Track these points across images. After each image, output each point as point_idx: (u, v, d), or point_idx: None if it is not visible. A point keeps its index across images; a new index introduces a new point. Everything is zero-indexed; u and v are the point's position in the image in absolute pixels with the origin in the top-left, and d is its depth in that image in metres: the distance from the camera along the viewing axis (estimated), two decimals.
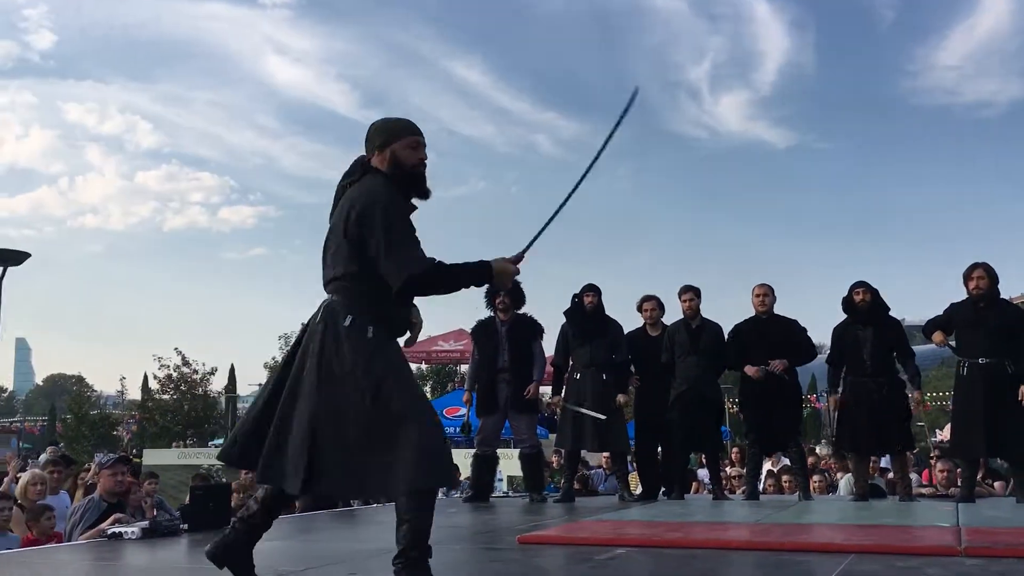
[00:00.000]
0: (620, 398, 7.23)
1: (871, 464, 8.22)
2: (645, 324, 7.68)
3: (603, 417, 7.01)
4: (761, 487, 9.66)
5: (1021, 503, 6.32)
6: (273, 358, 42.46)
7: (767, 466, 11.09)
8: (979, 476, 8.37)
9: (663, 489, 7.55)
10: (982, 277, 6.60)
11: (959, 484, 6.94)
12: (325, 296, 3.14)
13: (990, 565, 3.51)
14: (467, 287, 3.17)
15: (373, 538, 4.92)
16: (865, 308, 6.95)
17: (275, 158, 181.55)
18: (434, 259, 3.04)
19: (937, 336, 6.72)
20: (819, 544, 4.08)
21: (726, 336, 7.38)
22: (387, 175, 3.12)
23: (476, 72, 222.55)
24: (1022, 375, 6.37)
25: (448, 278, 3.09)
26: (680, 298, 7.49)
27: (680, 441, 7.35)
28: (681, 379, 7.25)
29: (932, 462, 9.21)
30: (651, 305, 7.65)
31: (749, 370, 7.05)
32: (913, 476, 8.78)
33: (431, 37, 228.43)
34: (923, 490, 7.93)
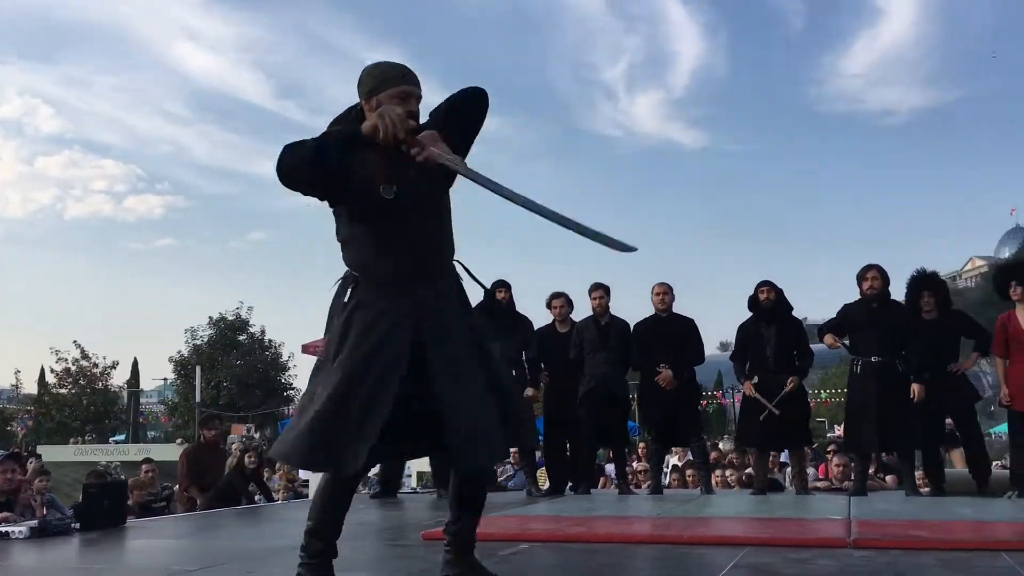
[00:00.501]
0: (529, 392, 7.27)
1: (770, 459, 8.45)
2: (554, 321, 7.74)
3: None
4: (666, 482, 9.89)
5: (910, 496, 6.60)
6: (179, 352, 41.10)
7: (673, 461, 11.35)
8: (872, 471, 8.71)
9: (570, 484, 7.63)
10: (876, 278, 6.85)
11: (852, 478, 7.21)
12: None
13: (877, 556, 3.64)
14: (334, 153, 2.66)
15: (275, 535, 4.84)
16: (769, 307, 7.15)
17: (185, 147, 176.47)
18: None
19: (828, 339, 6.96)
20: (716, 537, 4.19)
21: None
22: None
23: None
24: (912, 373, 6.65)
25: (298, 148, 2.66)
26: (590, 296, 7.57)
27: (588, 437, 7.44)
28: (590, 375, 7.34)
29: (828, 457, 9.53)
30: (560, 302, 7.72)
31: (662, 379, 7.16)
32: (811, 471, 9.09)
33: (349, 27, 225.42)
34: (819, 484, 8.20)
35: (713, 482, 9.02)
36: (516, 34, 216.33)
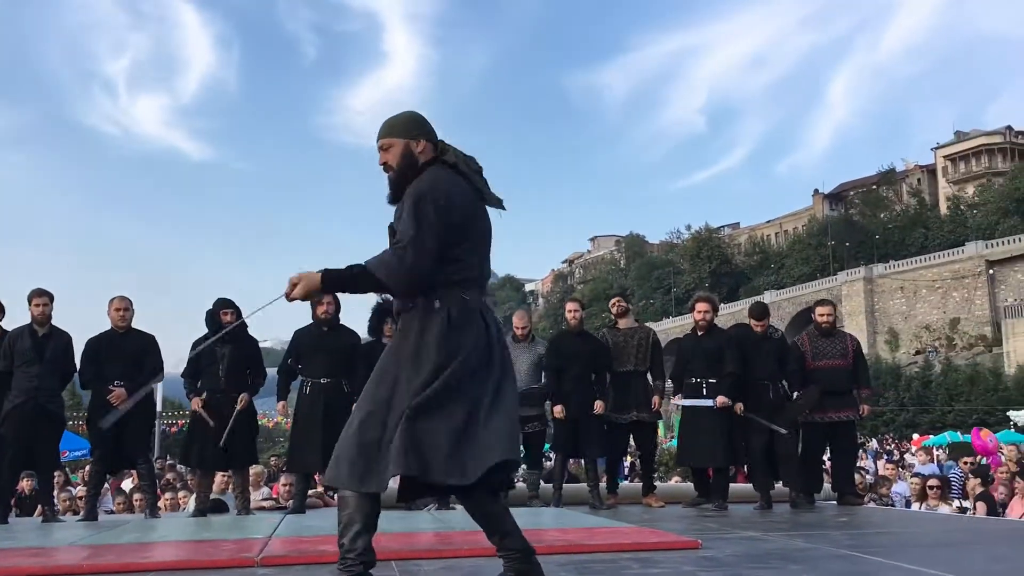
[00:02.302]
0: None
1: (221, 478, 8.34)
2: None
3: None
4: (111, 507, 9.25)
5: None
6: None
7: (128, 484, 10.66)
8: (321, 489, 9.05)
9: None
10: (330, 303, 7.17)
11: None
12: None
13: (281, 574, 3.73)
14: None
15: None
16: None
17: None
18: None
19: None
20: (117, 565, 3.95)
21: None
22: None
23: None
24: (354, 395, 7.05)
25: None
26: (31, 303, 6.83)
27: (12, 458, 6.64)
28: (18, 391, 6.59)
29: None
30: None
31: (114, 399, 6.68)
32: (264, 490, 9.14)
33: None
34: (265, 503, 8.28)
35: (163, 505, 8.67)
36: (3, 4, 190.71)
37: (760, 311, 7.63)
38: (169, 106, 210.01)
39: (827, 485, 8.41)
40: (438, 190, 2.99)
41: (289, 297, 2.97)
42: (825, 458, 8.48)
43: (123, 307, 7.00)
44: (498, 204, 3.15)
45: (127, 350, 6.89)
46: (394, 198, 3.13)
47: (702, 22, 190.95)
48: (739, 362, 7.25)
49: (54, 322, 6.91)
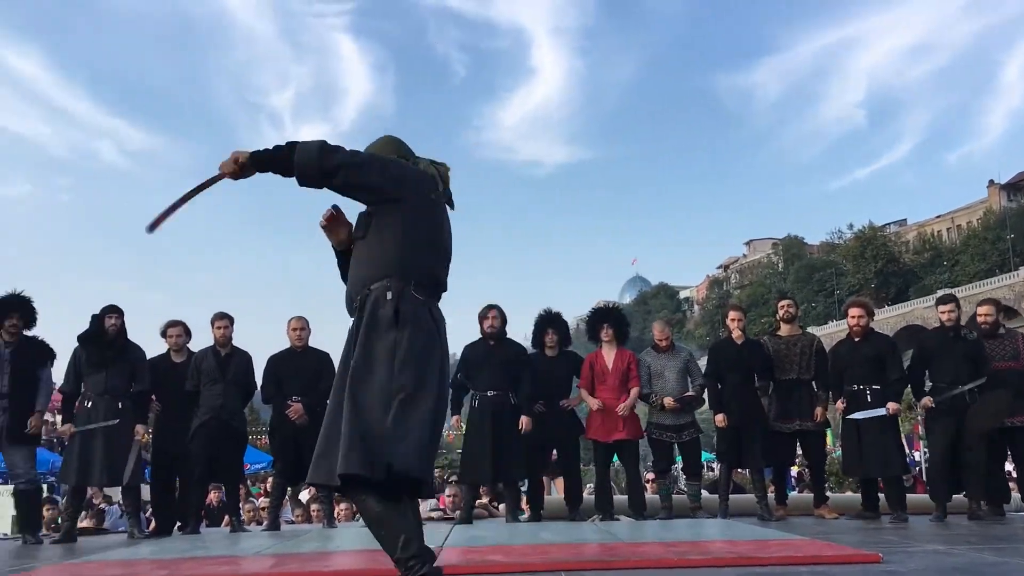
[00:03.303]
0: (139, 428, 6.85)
1: None
2: (169, 350, 7.36)
3: None
4: (291, 516, 9.75)
5: (510, 522, 7.07)
6: None
7: (305, 495, 11.20)
8: (488, 500, 9.23)
9: (178, 524, 7.24)
10: (495, 317, 7.32)
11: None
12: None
13: None
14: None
15: None
16: None
17: None
18: None
19: None
20: (301, 573, 4.16)
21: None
22: None
23: (33, 64, 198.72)
24: (521, 406, 7.15)
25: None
26: (213, 326, 7.32)
27: (201, 472, 7.11)
28: (204, 408, 7.06)
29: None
30: (177, 331, 7.36)
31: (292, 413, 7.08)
32: (431, 501, 9.39)
33: None
34: (433, 514, 8.50)
35: (341, 515, 9.06)
36: (178, 46, 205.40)
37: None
38: (330, 133, 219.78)
39: (1016, 495, 7.87)
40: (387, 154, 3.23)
41: (225, 173, 3.05)
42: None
43: (299, 327, 7.38)
44: (449, 201, 3.30)
45: (304, 367, 7.24)
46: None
47: (857, 15, 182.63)
48: (902, 367, 7.09)
49: (234, 342, 7.36)
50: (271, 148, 3.04)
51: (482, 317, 7.34)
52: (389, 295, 2.96)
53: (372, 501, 2.85)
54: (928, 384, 7.14)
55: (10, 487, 7.57)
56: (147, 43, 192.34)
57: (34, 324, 6.86)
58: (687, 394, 7.60)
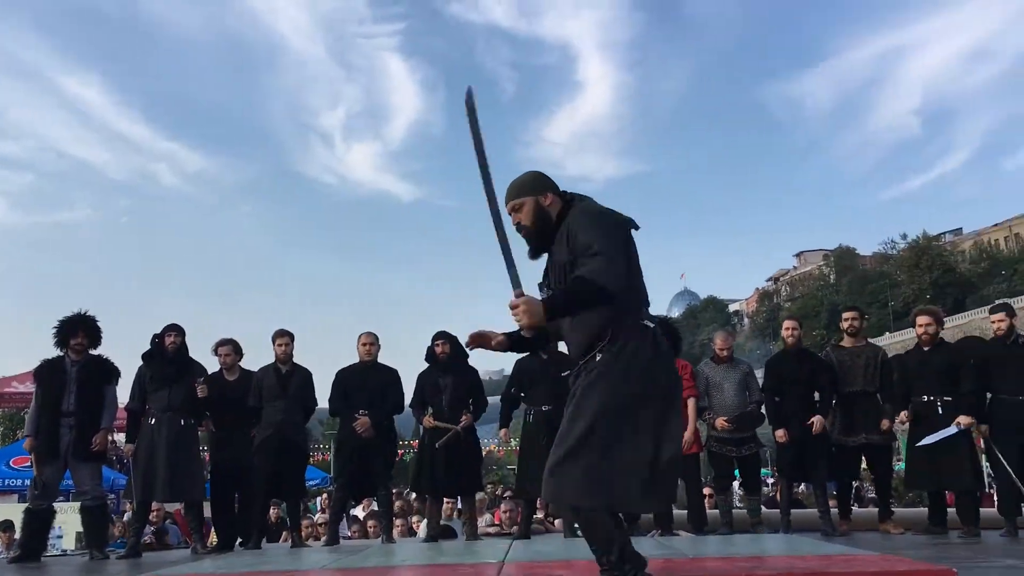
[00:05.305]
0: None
1: (447, 505, 8.65)
2: (221, 368, 7.48)
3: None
4: (347, 533, 9.80)
5: (568, 538, 7.03)
6: None
7: (356, 511, 11.27)
8: (543, 515, 9.20)
9: (239, 539, 7.32)
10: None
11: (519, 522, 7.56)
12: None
13: None
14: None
15: None
16: (445, 358, 7.37)
17: None
18: None
19: None
20: None
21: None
22: None
23: (94, 91, 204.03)
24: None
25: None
26: (275, 343, 7.42)
27: (264, 488, 7.19)
28: (266, 424, 7.14)
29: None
30: (226, 350, 7.48)
31: (359, 425, 7.12)
32: (487, 516, 9.41)
33: (44, 48, 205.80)
34: (490, 529, 8.49)
35: (396, 531, 9.08)
36: (230, 69, 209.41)
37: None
38: (380, 152, 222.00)
39: None
40: (604, 209, 3.14)
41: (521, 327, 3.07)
42: None
43: (369, 342, 7.42)
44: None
45: (372, 382, 7.28)
46: (536, 252, 3.26)
47: (910, 21, 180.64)
48: (978, 379, 6.76)
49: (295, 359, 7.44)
50: (558, 294, 3.05)
51: None
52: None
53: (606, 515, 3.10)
54: (988, 396, 6.93)
55: (75, 504, 7.71)
56: (202, 67, 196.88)
57: (99, 343, 7.00)
58: (743, 412, 7.46)
